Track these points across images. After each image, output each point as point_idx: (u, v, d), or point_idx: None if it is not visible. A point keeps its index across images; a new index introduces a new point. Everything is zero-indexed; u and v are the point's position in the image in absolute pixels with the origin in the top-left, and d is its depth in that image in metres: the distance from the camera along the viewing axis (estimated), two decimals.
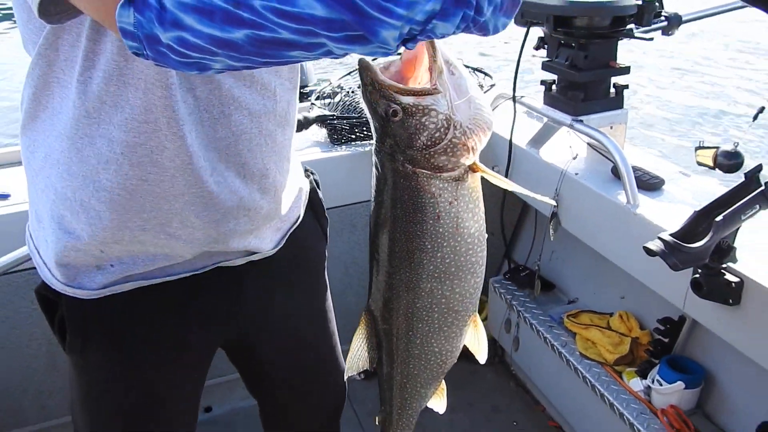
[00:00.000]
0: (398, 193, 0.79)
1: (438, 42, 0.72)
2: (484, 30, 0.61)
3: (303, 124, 2.16)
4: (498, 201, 2.32)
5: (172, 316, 1.12)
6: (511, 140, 2.09)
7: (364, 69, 0.72)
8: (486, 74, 2.49)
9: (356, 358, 0.94)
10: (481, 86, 2.39)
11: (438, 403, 1.06)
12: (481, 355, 0.95)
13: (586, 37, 1.82)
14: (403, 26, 0.57)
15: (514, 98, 2.06)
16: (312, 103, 2.25)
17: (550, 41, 1.95)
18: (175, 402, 1.19)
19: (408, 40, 0.59)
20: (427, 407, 1.07)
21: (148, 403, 1.14)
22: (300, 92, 2.74)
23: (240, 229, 1.05)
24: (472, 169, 0.80)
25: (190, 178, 0.96)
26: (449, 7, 0.57)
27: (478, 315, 0.93)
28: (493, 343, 2.39)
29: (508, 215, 2.34)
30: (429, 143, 0.74)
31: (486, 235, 0.86)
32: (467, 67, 2.54)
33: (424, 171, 0.77)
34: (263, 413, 1.44)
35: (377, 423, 1.06)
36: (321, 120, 2.15)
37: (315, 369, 1.34)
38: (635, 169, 1.72)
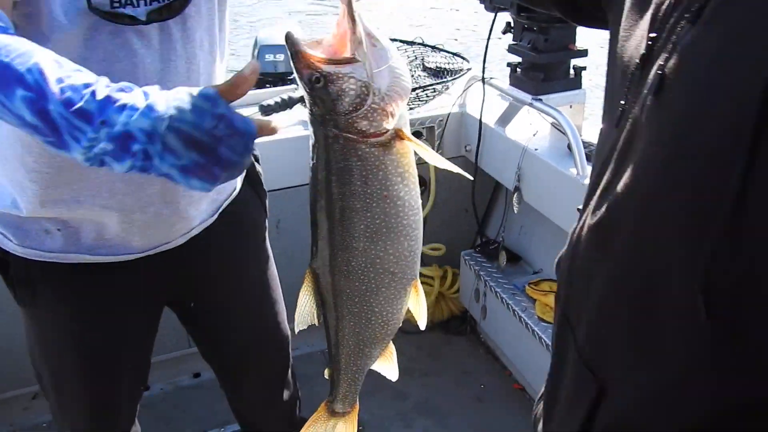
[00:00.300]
0: (329, 157, 0.84)
1: (359, 16, 0.77)
2: (173, 179, 0.72)
3: (287, 104, 2.23)
4: (468, 184, 2.39)
5: (115, 289, 1.18)
6: (480, 120, 2.17)
7: (287, 41, 0.77)
8: (463, 58, 2.55)
9: (303, 314, 0.96)
10: (460, 70, 2.46)
11: (389, 368, 1.05)
12: (421, 321, 0.96)
13: (546, 22, 1.88)
14: (86, 153, 0.71)
15: (483, 80, 2.13)
16: (297, 85, 2.33)
17: (516, 26, 2.01)
18: (123, 346, 1.26)
19: (102, 163, 0.72)
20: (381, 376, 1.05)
21: (97, 345, 1.22)
22: (287, 77, 2.82)
23: (170, 196, 1.10)
24: (399, 136, 0.84)
25: None
26: (117, 152, 0.70)
27: (419, 281, 0.94)
28: (464, 313, 2.49)
29: (480, 193, 2.41)
30: (350, 108, 0.79)
31: (420, 201, 0.89)
32: (447, 51, 2.61)
33: (349, 135, 0.82)
34: (218, 378, 1.51)
35: (326, 377, 1.07)
36: (304, 100, 2.23)
37: (258, 334, 1.39)
38: (589, 144, 1.79)
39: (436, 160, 0.88)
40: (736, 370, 0.51)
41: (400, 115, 0.85)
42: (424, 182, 2.34)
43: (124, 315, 1.23)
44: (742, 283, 0.48)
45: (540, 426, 0.84)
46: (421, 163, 2.66)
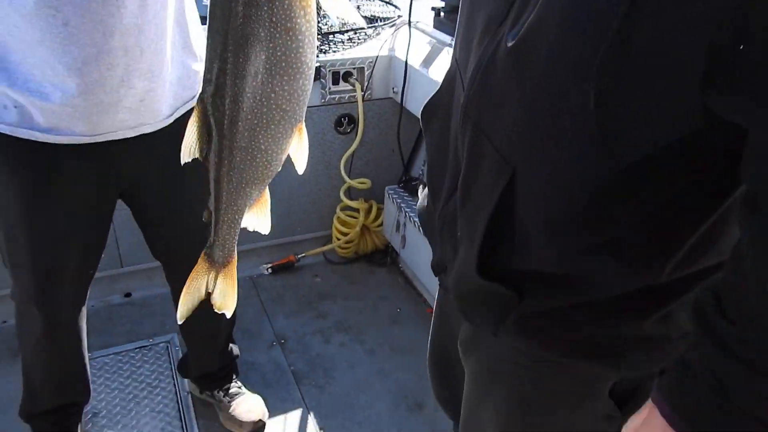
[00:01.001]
0: None
1: None
2: None
3: None
4: (395, 124, 2.46)
5: (65, 170, 1.21)
6: (406, 62, 2.23)
7: None
8: (395, 6, 2.64)
9: (188, 147, 0.92)
10: (392, 17, 2.53)
11: (262, 222, 1.01)
12: (300, 164, 0.93)
13: None
14: None
15: (409, 23, 2.20)
16: None
17: None
18: (71, 225, 1.29)
19: None
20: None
21: (46, 221, 1.25)
22: None
23: (113, 85, 1.12)
24: None
25: (43, 25, 1.05)
26: None
27: (304, 125, 0.92)
28: (387, 247, 2.55)
29: (405, 134, 2.47)
30: None
31: (316, 42, 0.89)
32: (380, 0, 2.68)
33: None
34: (166, 275, 1.54)
35: (204, 219, 1.01)
36: None
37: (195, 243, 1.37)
38: None
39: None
40: (612, 140, 0.64)
41: None
42: (353, 120, 2.39)
43: (73, 196, 1.25)
44: (620, 77, 0.60)
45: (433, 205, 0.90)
46: (351, 102, 2.69)
